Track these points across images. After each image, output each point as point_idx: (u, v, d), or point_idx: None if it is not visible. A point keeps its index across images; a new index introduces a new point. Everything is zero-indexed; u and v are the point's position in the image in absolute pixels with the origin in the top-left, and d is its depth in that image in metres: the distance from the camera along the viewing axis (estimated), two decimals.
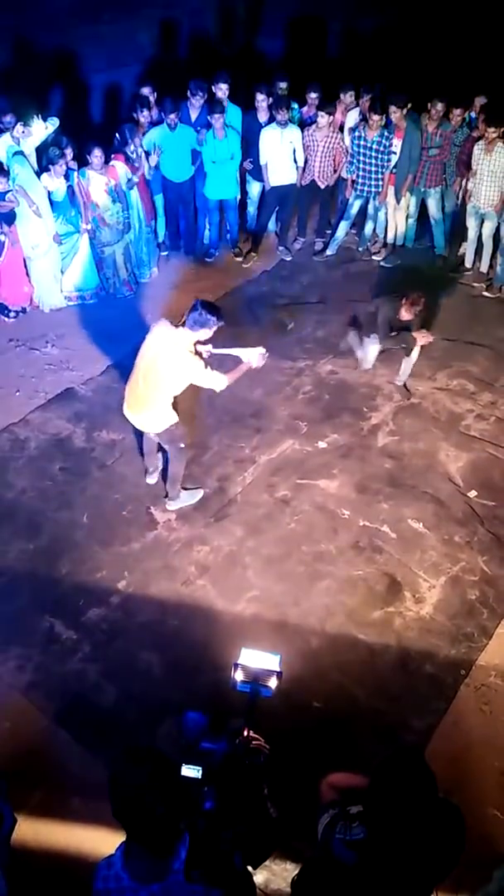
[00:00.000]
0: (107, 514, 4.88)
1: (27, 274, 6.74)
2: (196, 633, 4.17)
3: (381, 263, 7.55)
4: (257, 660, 2.32)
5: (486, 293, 7.07)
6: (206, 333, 4.20)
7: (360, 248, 7.77)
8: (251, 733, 2.32)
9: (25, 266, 6.70)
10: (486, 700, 3.87)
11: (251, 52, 8.86)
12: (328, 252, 7.67)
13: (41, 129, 6.43)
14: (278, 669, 2.33)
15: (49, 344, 6.50)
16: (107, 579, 4.48)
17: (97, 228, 6.70)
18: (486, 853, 3.03)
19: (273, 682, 2.32)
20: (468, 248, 7.31)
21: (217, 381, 4.29)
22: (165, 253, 7.69)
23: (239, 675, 2.31)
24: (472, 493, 5.00)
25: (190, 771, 2.11)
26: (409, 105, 6.82)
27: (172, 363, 4.20)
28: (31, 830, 3.24)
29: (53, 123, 6.47)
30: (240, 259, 7.66)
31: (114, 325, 6.74)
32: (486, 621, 4.24)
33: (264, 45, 8.96)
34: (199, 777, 2.12)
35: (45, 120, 6.45)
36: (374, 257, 7.65)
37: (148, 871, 1.96)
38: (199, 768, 2.12)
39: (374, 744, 3.65)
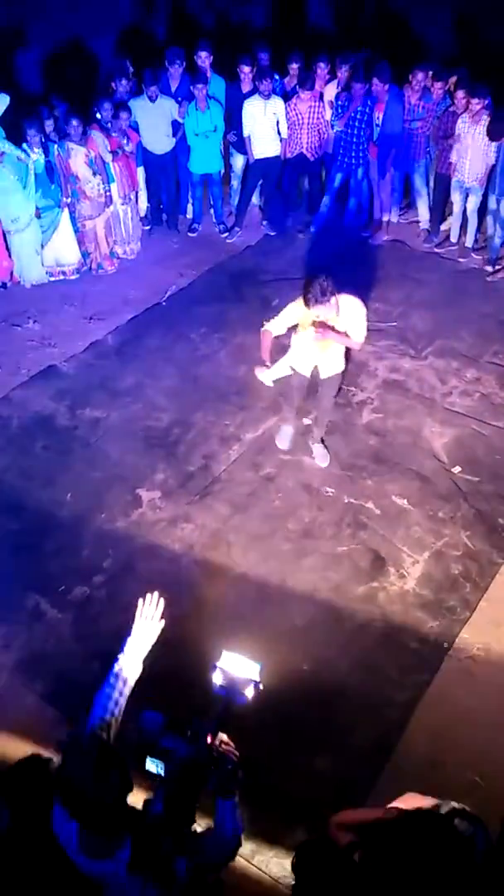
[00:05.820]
0: (91, 493, 4.85)
1: (7, 249, 6.63)
2: (181, 612, 4.16)
3: (370, 241, 7.48)
4: (237, 666, 2.17)
5: (487, 267, 6.95)
6: None
7: (346, 223, 7.69)
8: (222, 739, 2.16)
9: (5, 240, 6.59)
10: (470, 672, 3.92)
11: (234, 22, 8.69)
12: (313, 228, 7.59)
13: None
14: (257, 679, 2.18)
15: (31, 320, 6.42)
16: (91, 558, 4.47)
17: (77, 202, 6.59)
18: None
19: (250, 692, 2.17)
20: (453, 223, 7.27)
21: None
22: (148, 227, 7.59)
23: (217, 679, 2.17)
24: (457, 469, 5.02)
25: (153, 766, 2.03)
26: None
27: None
28: None
29: (3, 101, 6.13)
30: (224, 234, 7.57)
31: (96, 300, 6.67)
32: (469, 595, 4.28)
33: (247, 15, 8.78)
34: (162, 774, 2.03)
35: None
36: (361, 233, 7.58)
37: (97, 850, 1.97)
38: (163, 764, 2.03)
39: (358, 717, 3.70)
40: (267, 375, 4.82)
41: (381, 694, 3.81)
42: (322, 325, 4.30)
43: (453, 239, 7.32)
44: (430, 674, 3.91)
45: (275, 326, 4.53)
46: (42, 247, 6.73)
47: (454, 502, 4.81)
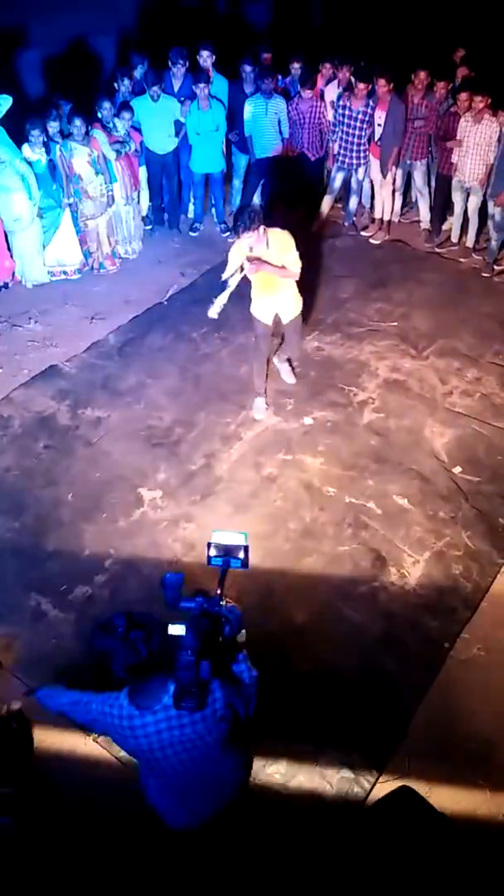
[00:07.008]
0: (92, 492, 4.86)
1: (9, 248, 6.64)
2: None
3: (371, 241, 7.48)
4: (227, 538, 2.61)
5: (484, 273, 6.94)
6: None
7: (346, 223, 7.70)
8: (225, 597, 2.56)
9: (7, 240, 6.59)
10: (471, 672, 3.93)
11: (236, 22, 8.69)
12: (314, 227, 7.59)
13: None
14: (245, 544, 2.59)
15: (32, 320, 6.43)
16: (93, 557, 4.48)
17: (80, 201, 6.59)
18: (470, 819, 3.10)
19: (241, 555, 2.60)
20: (454, 223, 7.26)
21: None
22: (149, 227, 7.59)
23: (212, 552, 2.60)
24: (457, 469, 5.03)
25: (175, 628, 2.30)
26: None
27: None
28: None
29: (6, 101, 6.05)
30: (225, 234, 7.57)
31: (98, 300, 6.68)
32: (470, 595, 4.29)
33: (250, 14, 8.78)
34: (184, 633, 2.30)
35: None
36: (362, 233, 7.58)
37: (146, 699, 2.35)
38: (183, 625, 2.30)
39: (359, 717, 3.70)
40: (213, 310, 4.91)
41: (382, 694, 3.81)
42: (254, 259, 4.64)
43: (454, 239, 7.32)
44: (431, 674, 3.91)
45: (227, 275, 4.78)
46: (44, 247, 6.73)
47: (455, 502, 4.81)
